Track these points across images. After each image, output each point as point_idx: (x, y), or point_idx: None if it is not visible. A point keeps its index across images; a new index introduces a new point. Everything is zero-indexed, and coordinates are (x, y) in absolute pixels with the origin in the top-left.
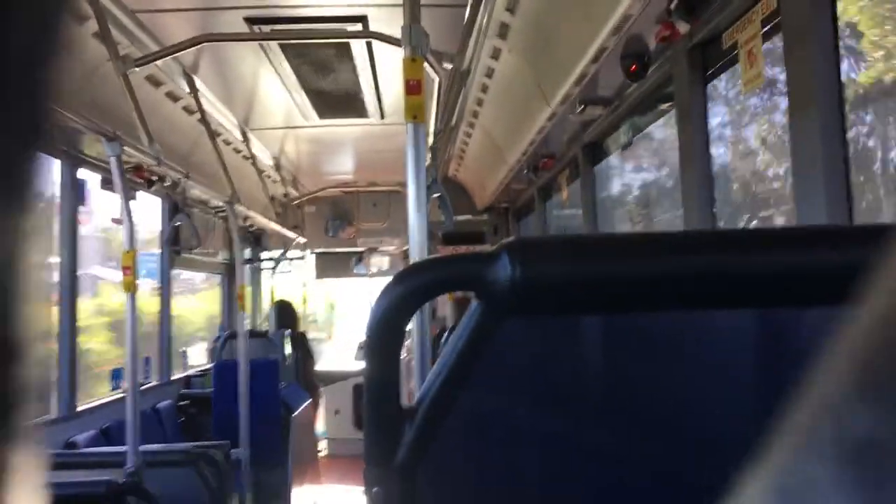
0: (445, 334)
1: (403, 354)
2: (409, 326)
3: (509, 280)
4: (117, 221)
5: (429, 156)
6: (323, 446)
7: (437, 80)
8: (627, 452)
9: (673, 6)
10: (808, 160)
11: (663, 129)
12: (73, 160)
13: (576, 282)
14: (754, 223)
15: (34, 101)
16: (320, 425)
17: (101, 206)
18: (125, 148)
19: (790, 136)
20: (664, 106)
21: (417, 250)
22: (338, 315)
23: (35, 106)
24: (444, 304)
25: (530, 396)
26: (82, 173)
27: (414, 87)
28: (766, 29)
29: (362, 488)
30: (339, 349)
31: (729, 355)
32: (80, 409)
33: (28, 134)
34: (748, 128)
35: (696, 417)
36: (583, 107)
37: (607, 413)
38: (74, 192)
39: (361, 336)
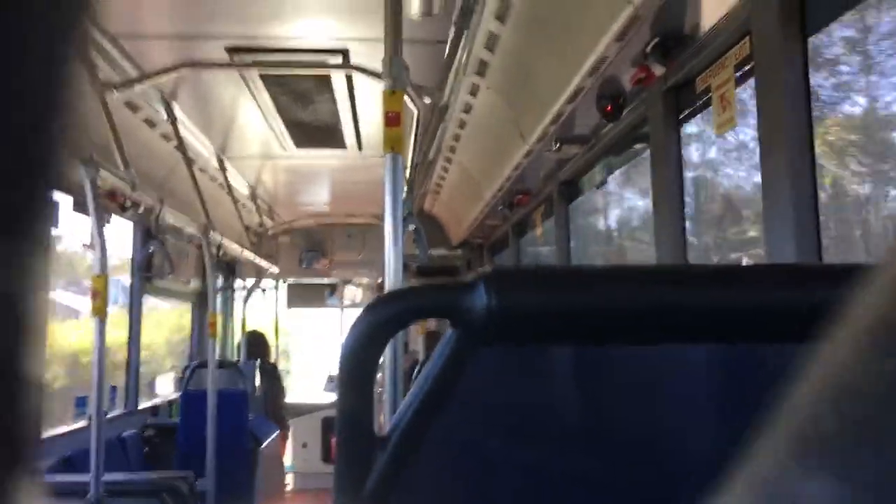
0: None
1: (376, 388)
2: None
3: (485, 309)
4: (88, 246)
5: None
6: (290, 480)
7: (415, 113)
8: (600, 483)
9: (649, 49)
10: (779, 201)
11: (637, 169)
12: None
13: (551, 312)
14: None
15: (46, 138)
16: (288, 458)
17: (71, 229)
18: (100, 171)
19: (762, 176)
20: (639, 146)
21: (392, 282)
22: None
23: (46, 143)
24: (417, 339)
25: (504, 426)
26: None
27: (393, 120)
28: (739, 74)
29: None
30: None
31: (699, 388)
32: (42, 436)
33: (40, 172)
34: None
35: (668, 450)
36: (559, 145)
37: (580, 443)
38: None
39: (328, 368)
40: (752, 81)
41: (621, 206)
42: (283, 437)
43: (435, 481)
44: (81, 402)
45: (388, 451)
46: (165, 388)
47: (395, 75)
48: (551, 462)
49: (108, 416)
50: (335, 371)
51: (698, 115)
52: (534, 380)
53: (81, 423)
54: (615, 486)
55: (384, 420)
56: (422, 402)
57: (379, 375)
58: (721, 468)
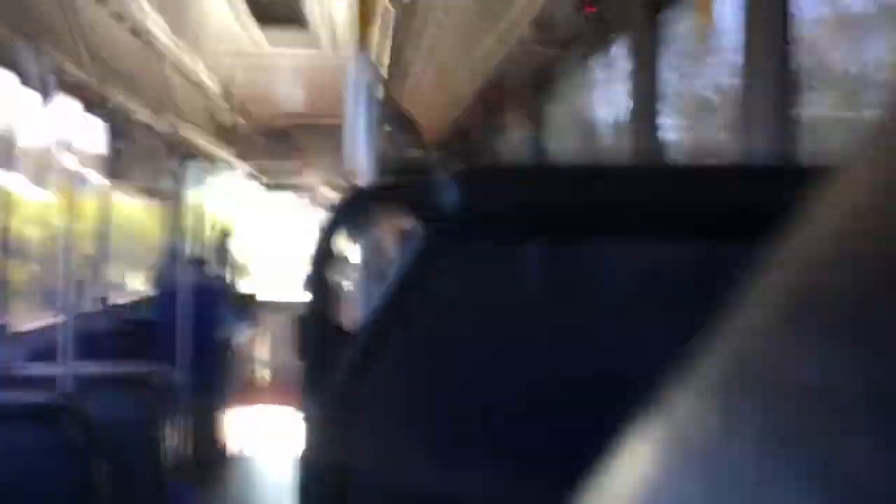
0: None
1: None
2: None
3: (456, 206)
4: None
5: (380, 88)
6: (262, 373)
7: (391, 10)
8: (568, 379)
9: None
10: (759, 105)
11: (613, 65)
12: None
13: (521, 209)
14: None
15: None
16: (260, 352)
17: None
18: (66, 65)
19: (744, 58)
20: (617, 39)
21: (366, 181)
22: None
23: None
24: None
25: (472, 323)
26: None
27: (366, 16)
28: None
29: (300, 411)
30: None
31: (671, 287)
32: (14, 331)
33: None
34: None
35: (637, 348)
36: (535, 42)
37: (547, 340)
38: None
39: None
40: None
41: (598, 101)
42: (256, 332)
43: (402, 376)
44: (52, 296)
45: (356, 345)
46: (138, 284)
47: None
48: (516, 356)
49: (80, 310)
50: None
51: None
52: (503, 277)
53: (54, 320)
54: (583, 382)
55: (356, 316)
56: (391, 298)
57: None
58: (691, 367)
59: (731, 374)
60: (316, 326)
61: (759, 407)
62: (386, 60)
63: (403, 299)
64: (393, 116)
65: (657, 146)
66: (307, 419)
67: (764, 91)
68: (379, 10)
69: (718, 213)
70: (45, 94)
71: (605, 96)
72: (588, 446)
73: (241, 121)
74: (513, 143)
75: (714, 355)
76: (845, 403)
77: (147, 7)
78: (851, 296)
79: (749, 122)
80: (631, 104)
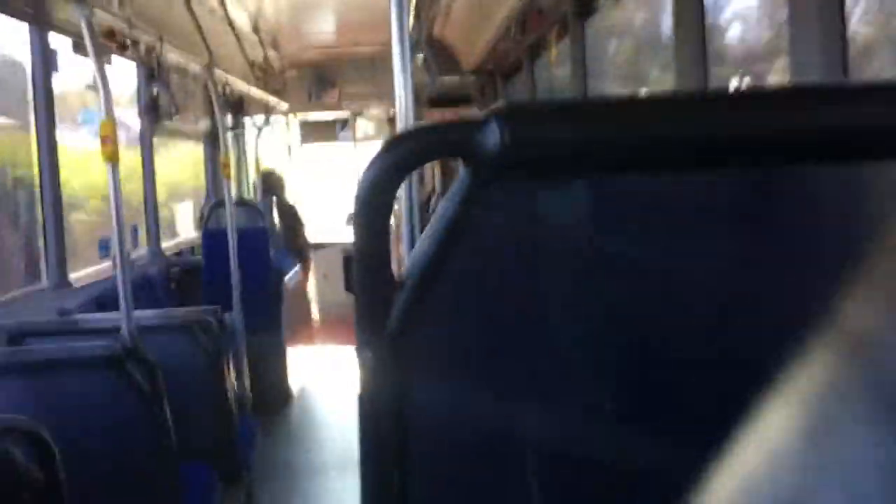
0: (433, 200)
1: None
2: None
3: (499, 146)
4: (92, 88)
5: (413, 14)
6: (314, 310)
7: None
8: (617, 318)
9: None
10: (805, 14)
11: None
12: (43, 24)
13: (566, 146)
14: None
15: None
16: (311, 290)
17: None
18: (96, 10)
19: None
20: None
21: (404, 115)
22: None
23: None
24: (431, 171)
25: (519, 262)
26: (53, 39)
27: None
28: None
29: (354, 350)
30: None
31: (723, 221)
32: (71, 278)
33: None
34: None
35: (685, 286)
36: None
37: (597, 276)
38: (47, 58)
39: (345, 205)
40: None
41: (640, 25)
42: (306, 270)
43: (453, 319)
44: (105, 246)
45: (405, 290)
46: (186, 229)
47: None
48: (569, 295)
49: (133, 256)
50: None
51: None
52: (549, 216)
53: (107, 265)
54: (633, 322)
55: (402, 254)
56: (437, 242)
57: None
58: (759, 310)
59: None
60: (365, 267)
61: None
62: None
63: (449, 243)
64: (428, 42)
65: (703, 72)
66: (362, 361)
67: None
68: None
69: (772, 139)
70: (98, 60)
71: (650, 9)
72: (645, 389)
73: (273, 56)
74: (553, 68)
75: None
76: None
77: None
78: None
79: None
80: (675, 24)
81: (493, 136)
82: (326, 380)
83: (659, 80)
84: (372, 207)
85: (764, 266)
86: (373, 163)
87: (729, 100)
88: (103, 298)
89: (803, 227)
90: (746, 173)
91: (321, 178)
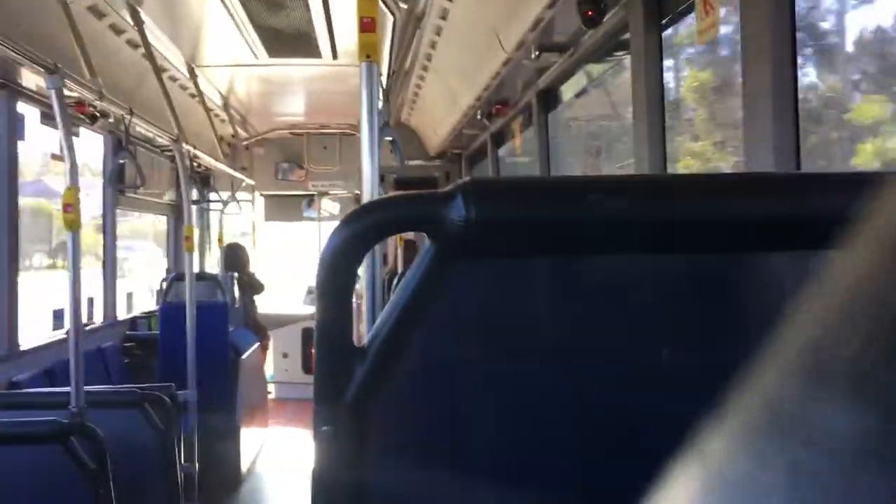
0: (395, 280)
1: (354, 299)
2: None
3: (463, 220)
4: (57, 158)
5: (381, 98)
6: (271, 389)
7: (392, 19)
8: (577, 395)
9: None
10: (759, 107)
11: (617, 77)
12: (12, 93)
13: (529, 223)
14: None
15: None
16: (269, 368)
17: (39, 141)
18: (66, 81)
19: (742, 84)
20: (620, 53)
21: (369, 193)
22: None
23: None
24: (393, 250)
25: (482, 338)
26: (21, 107)
27: (368, 25)
28: None
29: (311, 430)
30: (283, 293)
31: (681, 300)
32: (22, 348)
33: None
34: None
35: (649, 363)
36: (538, 53)
37: (558, 355)
38: (13, 126)
39: (306, 280)
40: None
41: (601, 114)
42: (264, 348)
43: (413, 392)
44: (60, 315)
45: (366, 362)
46: (144, 301)
47: None
48: (529, 374)
49: (87, 327)
50: (314, 283)
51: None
52: (512, 292)
53: (60, 335)
54: (593, 398)
55: (363, 331)
56: (400, 314)
57: (357, 286)
58: (708, 382)
59: (761, 417)
60: (325, 335)
61: (788, 447)
62: (387, 69)
63: (412, 315)
64: (396, 126)
65: (661, 154)
66: (318, 436)
67: (763, 101)
68: (380, 17)
69: (730, 226)
70: (66, 129)
71: (609, 102)
72: (601, 465)
73: (242, 133)
74: (517, 152)
75: (745, 398)
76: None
77: (146, 19)
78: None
79: (750, 125)
80: (634, 110)
81: (457, 211)
82: (279, 462)
83: (619, 156)
84: (335, 276)
85: (718, 345)
86: (337, 232)
87: (687, 184)
88: (54, 370)
89: (753, 310)
90: (705, 256)
91: (284, 255)
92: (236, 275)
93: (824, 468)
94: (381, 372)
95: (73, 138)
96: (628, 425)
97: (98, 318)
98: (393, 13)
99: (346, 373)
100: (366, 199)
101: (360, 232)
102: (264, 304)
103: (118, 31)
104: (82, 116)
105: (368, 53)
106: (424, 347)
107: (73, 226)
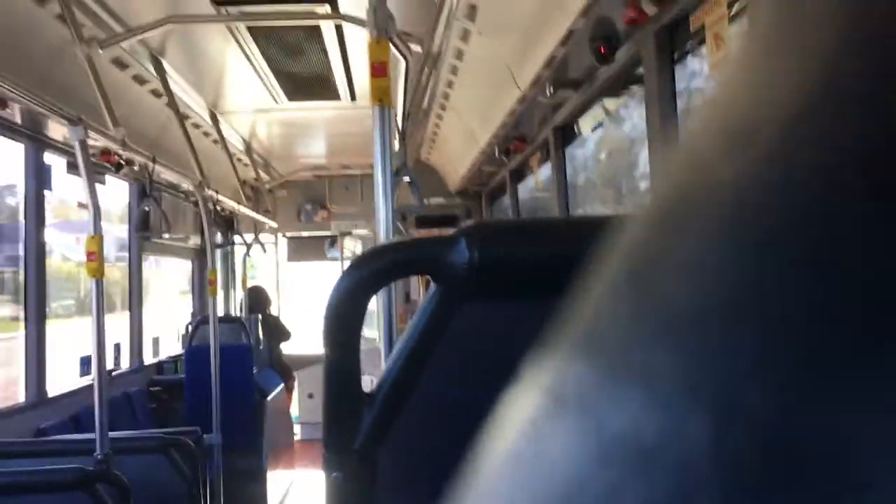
0: None
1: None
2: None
3: (467, 264)
4: (82, 206)
5: (398, 139)
6: (297, 430)
7: (405, 62)
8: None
9: None
10: None
11: (634, 111)
12: (38, 144)
13: (533, 265)
14: None
15: None
16: (294, 409)
17: (67, 190)
18: (90, 132)
19: None
20: (634, 88)
21: (384, 234)
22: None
23: None
24: (417, 289)
25: (488, 380)
26: (48, 157)
27: (379, 70)
28: (733, 12)
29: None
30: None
31: None
32: (50, 395)
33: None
34: None
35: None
36: (553, 89)
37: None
38: (41, 177)
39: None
40: (745, 19)
41: (618, 149)
42: (289, 389)
43: (422, 437)
44: (86, 361)
45: (374, 407)
46: (170, 346)
47: (379, 23)
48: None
49: (114, 373)
50: None
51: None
52: (517, 334)
53: (87, 381)
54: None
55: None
56: (407, 358)
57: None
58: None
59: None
60: (334, 380)
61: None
62: (402, 110)
63: (418, 358)
64: (415, 165)
65: None
66: (329, 479)
67: None
68: (392, 61)
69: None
70: (90, 178)
71: (626, 139)
72: None
73: (264, 176)
74: (535, 187)
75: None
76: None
77: (168, 69)
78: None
79: None
80: (650, 144)
81: (461, 255)
82: (307, 503)
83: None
84: (341, 321)
85: None
86: (343, 277)
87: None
88: (80, 416)
89: None
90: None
91: (308, 295)
92: (260, 316)
93: None
94: (388, 417)
95: (101, 186)
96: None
97: (125, 364)
98: (405, 57)
99: (354, 419)
100: (380, 240)
101: (366, 277)
102: (289, 345)
103: (142, 81)
104: (108, 165)
105: (381, 97)
106: (431, 391)
107: (96, 273)
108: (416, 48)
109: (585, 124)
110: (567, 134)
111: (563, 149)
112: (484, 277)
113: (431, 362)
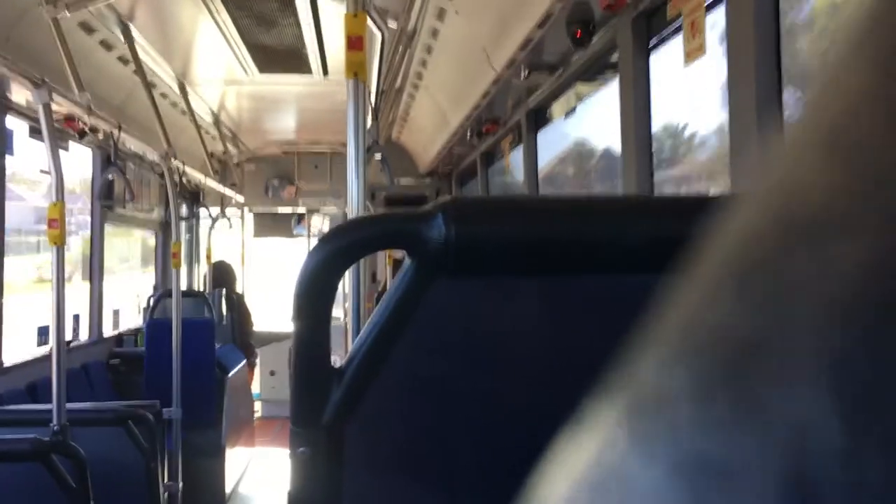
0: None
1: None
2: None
3: (443, 239)
4: (46, 172)
5: (370, 116)
6: (258, 407)
7: (380, 37)
8: (558, 413)
9: None
10: (745, 132)
11: (606, 97)
12: (0, 107)
13: (510, 243)
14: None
15: None
16: (256, 386)
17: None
18: (54, 96)
19: (728, 107)
20: (609, 73)
21: (355, 211)
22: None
23: None
24: (383, 268)
25: (461, 357)
26: (10, 122)
27: (355, 43)
28: (709, 0)
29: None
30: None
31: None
32: (6, 364)
33: None
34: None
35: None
36: (527, 72)
37: (538, 374)
38: (1, 141)
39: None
40: (723, 8)
41: (590, 134)
42: (251, 366)
43: (392, 413)
44: (45, 331)
45: (344, 382)
46: (130, 318)
47: None
48: (509, 393)
49: (72, 344)
50: None
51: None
52: (492, 311)
53: (44, 351)
54: (574, 415)
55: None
56: (378, 333)
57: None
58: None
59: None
60: (303, 354)
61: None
62: (376, 88)
63: (390, 334)
64: (386, 144)
65: (648, 174)
66: (295, 458)
67: (750, 121)
68: (368, 36)
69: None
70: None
71: (598, 123)
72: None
73: (232, 149)
74: (506, 169)
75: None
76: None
77: (137, 35)
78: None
79: (738, 151)
80: (622, 131)
81: (437, 230)
82: (265, 481)
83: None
84: (313, 294)
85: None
86: (315, 249)
87: (673, 204)
88: (37, 386)
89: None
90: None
91: (274, 272)
92: (224, 291)
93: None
94: (357, 392)
95: (63, 153)
96: (610, 434)
97: (84, 335)
98: (382, 31)
99: (323, 394)
100: (352, 216)
101: (339, 250)
102: (255, 321)
103: (108, 46)
104: (71, 132)
105: (356, 71)
106: (402, 365)
107: (58, 241)
108: (392, 24)
109: (559, 108)
110: (540, 117)
111: (535, 132)
112: (459, 253)
113: (403, 338)
